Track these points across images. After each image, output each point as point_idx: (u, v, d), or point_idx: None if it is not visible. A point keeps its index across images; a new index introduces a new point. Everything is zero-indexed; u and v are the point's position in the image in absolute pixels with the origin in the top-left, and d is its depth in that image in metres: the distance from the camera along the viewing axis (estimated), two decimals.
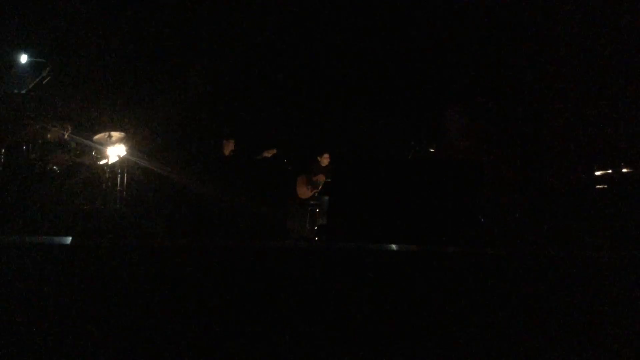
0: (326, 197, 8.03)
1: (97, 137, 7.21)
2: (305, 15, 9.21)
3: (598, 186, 7.57)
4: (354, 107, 9.51)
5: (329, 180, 8.33)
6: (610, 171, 7.75)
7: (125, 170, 7.15)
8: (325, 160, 8.86)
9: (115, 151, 7.17)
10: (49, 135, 6.73)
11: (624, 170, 7.75)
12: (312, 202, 8.69)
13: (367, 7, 9.32)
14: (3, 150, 6.35)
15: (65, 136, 6.91)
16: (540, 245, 5.75)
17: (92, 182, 6.77)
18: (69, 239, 3.53)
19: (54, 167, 6.53)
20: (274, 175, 7.62)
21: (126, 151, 7.24)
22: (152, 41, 8.69)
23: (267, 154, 8.13)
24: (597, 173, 7.84)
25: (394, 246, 4.06)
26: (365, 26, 9.35)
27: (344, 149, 9.30)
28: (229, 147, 8.20)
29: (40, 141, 6.55)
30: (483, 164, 6.50)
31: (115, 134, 7.24)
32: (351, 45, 9.35)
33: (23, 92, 6.90)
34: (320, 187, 8.55)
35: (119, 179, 7.07)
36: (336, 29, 9.37)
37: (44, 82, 6.98)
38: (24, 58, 7.17)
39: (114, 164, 7.11)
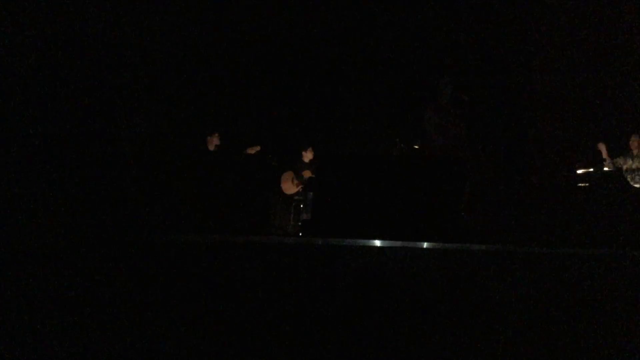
0: (311, 193, 8.03)
1: None
2: (289, 12, 9.21)
3: (580, 184, 7.65)
4: (339, 103, 9.52)
5: (314, 176, 8.34)
6: (592, 170, 7.84)
7: None
8: (309, 154, 8.87)
9: None
10: None
11: (606, 169, 7.85)
12: (296, 197, 8.70)
13: (351, 3, 9.33)
14: None
15: None
16: (523, 242, 5.80)
17: None
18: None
19: None
20: (258, 170, 7.60)
21: None
22: (136, 35, 8.63)
23: (251, 150, 8.12)
24: (579, 171, 7.92)
25: (377, 242, 4.08)
26: (349, 22, 9.36)
27: (328, 144, 9.31)
28: (213, 142, 8.18)
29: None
30: (466, 161, 6.54)
31: None
32: (336, 40, 9.36)
33: None
34: (305, 183, 8.57)
35: None
36: (320, 25, 9.37)
37: None
38: None
39: None
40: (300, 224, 8.09)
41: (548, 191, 7.00)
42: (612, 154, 7.85)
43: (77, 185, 6.28)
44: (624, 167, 7.75)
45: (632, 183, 7.66)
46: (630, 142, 7.78)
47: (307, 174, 8.64)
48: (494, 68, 9.09)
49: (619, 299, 3.70)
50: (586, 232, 6.09)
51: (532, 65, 9.24)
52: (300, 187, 8.68)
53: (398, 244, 4.13)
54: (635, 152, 7.73)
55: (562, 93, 9.05)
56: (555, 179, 8.34)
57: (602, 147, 7.82)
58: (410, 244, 4.15)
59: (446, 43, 9.18)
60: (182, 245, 3.69)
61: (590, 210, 6.41)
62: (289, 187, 8.76)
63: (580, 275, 3.80)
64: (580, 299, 3.70)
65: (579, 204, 6.54)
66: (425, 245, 4.21)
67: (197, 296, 3.42)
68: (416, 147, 7.63)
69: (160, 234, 4.55)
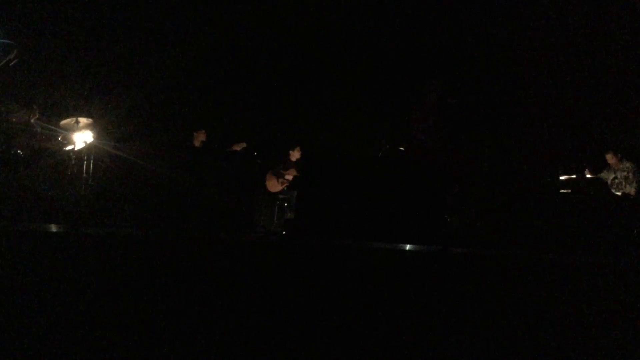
0: (295, 192, 8.03)
1: (63, 122, 7.08)
2: (278, 10, 9.19)
3: (562, 190, 7.73)
4: (326, 103, 9.52)
5: (299, 175, 8.33)
6: (574, 176, 7.94)
7: (92, 157, 7.04)
8: (296, 153, 8.86)
9: (82, 137, 7.05)
10: (13, 119, 6.59)
11: (588, 176, 7.95)
12: (281, 195, 8.69)
13: (342, 5, 9.34)
14: None
15: (32, 120, 6.78)
16: (505, 246, 5.84)
17: (57, 168, 6.66)
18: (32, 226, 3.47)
19: (19, 152, 6.40)
20: (243, 167, 7.59)
21: (93, 138, 7.13)
22: (123, 27, 8.57)
23: (237, 147, 8.10)
24: (562, 178, 8.01)
25: (360, 243, 4.08)
26: (338, 22, 9.36)
27: (314, 144, 9.31)
28: (199, 138, 8.14)
29: (4, 124, 6.40)
30: (450, 165, 6.56)
31: (83, 120, 7.12)
32: (324, 41, 9.35)
33: None
34: (290, 181, 8.56)
35: (84, 165, 6.96)
36: (309, 25, 9.36)
37: (10, 65, 6.83)
38: None
39: (80, 151, 7.00)
40: (283, 222, 8.08)
41: (531, 197, 7.04)
42: (595, 170, 8.01)
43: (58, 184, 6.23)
44: (609, 180, 7.92)
45: (615, 191, 7.77)
46: (608, 159, 8.01)
47: (292, 172, 8.63)
48: (480, 72, 9.12)
49: (602, 302, 3.73)
50: (568, 238, 6.14)
51: (518, 70, 9.29)
52: (285, 185, 8.66)
53: (381, 245, 4.14)
54: (615, 166, 7.94)
55: (548, 100, 9.12)
56: (539, 185, 8.41)
57: (610, 157, 7.99)
58: (393, 246, 4.15)
59: (434, 45, 9.21)
60: (165, 242, 3.67)
61: (572, 216, 6.47)
62: (274, 185, 8.74)
63: (562, 280, 3.83)
64: (561, 304, 3.73)
65: (561, 210, 6.60)
66: (408, 247, 4.23)
67: (179, 294, 3.40)
68: (402, 148, 7.64)
69: (143, 230, 4.52)
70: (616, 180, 7.86)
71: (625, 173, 7.80)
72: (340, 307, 3.53)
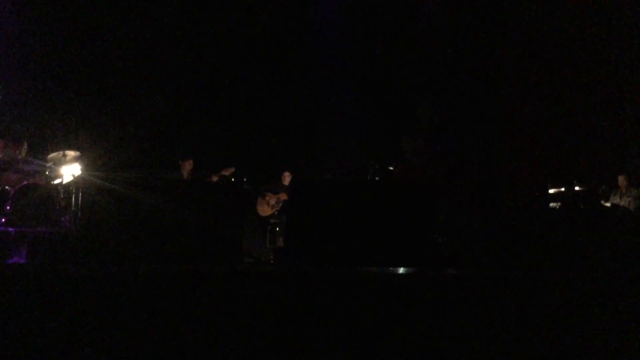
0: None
1: (50, 155, 7.05)
2: (262, 36, 9.26)
3: (552, 204, 7.73)
4: (314, 126, 9.55)
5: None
6: (563, 189, 7.94)
7: (80, 190, 6.99)
8: (286, 178, 8.87)
9: (70, 170, 7.02)
10: (1, 156, 6.57)
11: (577, 188, 7.95)
12: (272, 220, 8.66)
13: (328, 25, 9.40)
14: None
15: (22, 155, 6.77)
16: (497, 265, 5.83)
17: (45, 202, 6.60)
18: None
19: (6, 187, 6.36)
20: (231, 193, 7.55)
21: (81, 170, 7.09)
22: (107, 59, 8.58)
23: (225, 172, 8.08)
24: (551, 191, 8.02)
25: (351, 269, 4.07)
26: (324, 44, 9.42)
27: (302, 167, 9.31)
28: (186, 167, 8.09)
29: None
30: (439, 186, 6.56)
31: (70, 153, 7.09)
32: (311, 64, 9.40)
33: None
34: (280, 206, 8.55)
35: (73, 198, 6.92)
36: (294, 48, 9.42)
37: None
38: None
39: (68, 184, 6.96)
40: (273, 250, 8.02)
41: (521, 212, 7.05)
42: (583, 181, 7.97)
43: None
44: (618, 203, 7.90)
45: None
46: (619, 182, 7.99)
47: (282, 196, 8.62)
48: (467, 91, 9.16)
49: (595, 317, 3.73)
50: (559, 252, 6.13)
51: (504, 87, 9.35)
52: (275, 210, 8.65)
53: (373, 269, 4.12)
54: (623, 190, 7.93)
55: (537, 114, 9.15)
56: (528, 200, 8.42)
57: (622, 179, 7.98)
58: (386, 270, 4.14)
59: (424, 65, 9.26)
60: (155, 277, 3.63)
61: (562, 229, 6.46)
62: (264, 209, 8.72)
63: (555, 297, 3.82)
64: (553, 320, 3.72)
65: (551, 224, 6.59)
66: (400, 270, 4.21)
67: (171, 330, 3.37)
68: (391, 168, 7.64)
69: (132, 265, 4.48)
70: (622, 204, 7.81)
71: (630, 199, 7.79)
72: (334, 335, 3.50)
